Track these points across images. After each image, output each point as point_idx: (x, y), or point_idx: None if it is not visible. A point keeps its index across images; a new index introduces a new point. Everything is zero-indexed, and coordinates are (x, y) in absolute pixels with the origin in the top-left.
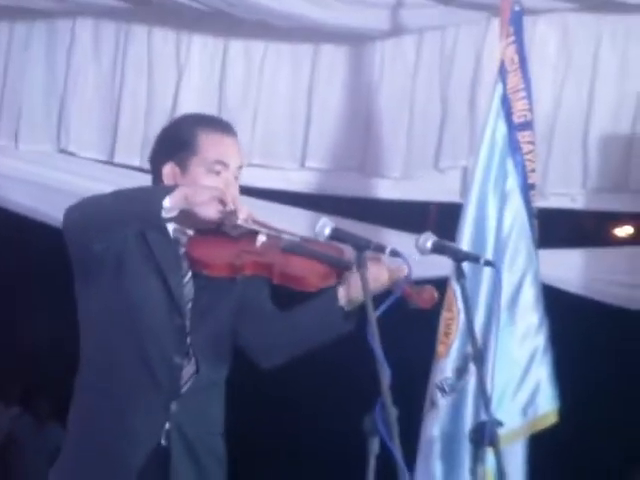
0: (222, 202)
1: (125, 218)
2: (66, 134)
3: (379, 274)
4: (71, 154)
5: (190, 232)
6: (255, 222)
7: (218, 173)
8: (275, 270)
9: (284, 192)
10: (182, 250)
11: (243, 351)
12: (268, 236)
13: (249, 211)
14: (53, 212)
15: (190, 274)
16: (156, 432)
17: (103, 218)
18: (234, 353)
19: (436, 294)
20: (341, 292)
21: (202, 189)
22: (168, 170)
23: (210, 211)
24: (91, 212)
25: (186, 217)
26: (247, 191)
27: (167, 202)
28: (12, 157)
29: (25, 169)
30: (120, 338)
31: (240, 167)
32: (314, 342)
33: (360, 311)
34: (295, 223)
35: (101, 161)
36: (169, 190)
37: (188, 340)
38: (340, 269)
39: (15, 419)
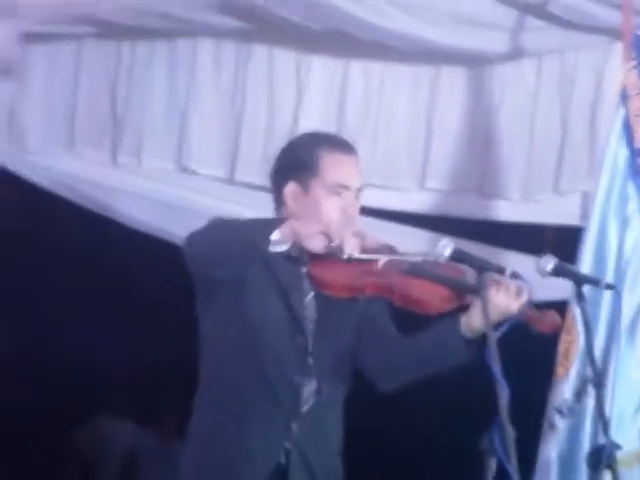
0: (328, 237)
1: (238, 251)
2: (187, 152)
3: (507, 303)
4: (192, 172)
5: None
6: (365, 251)
7: (339, 194)
8: (396, 292)
9: (403, 213)
10: (304, 269)
11: (362, 373)
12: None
13: (357, 243)
14: (172, 229)
15: (312, 294)
16: (276, 451)
17: (220, 249)
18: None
19: (559, 319)
20: (464, 320)
21: (309, 223)
22: (290, 190)
23: (316, 245)
24: (209, 241)
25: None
26: (367, 212)
27: (276, 235)
28: (134, 174)
29: (146, 186)
30: (240, 357)
31: (360, 188)
32: (434, 369)
33: (482, 339)
34: (414, 244)
35: (221, 179)
36: (277, 223)
37: (310, 360)
38: (463, 292)
39: (137, 435)
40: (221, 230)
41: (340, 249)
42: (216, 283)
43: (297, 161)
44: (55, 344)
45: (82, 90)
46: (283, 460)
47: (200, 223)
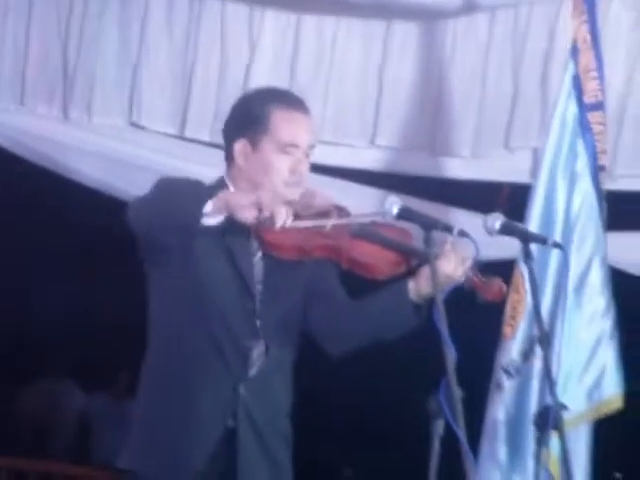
0: (259, 209)
1: (179, 221)
2: (138, 107)
3: (453, 269)
4: (143, 128)
5: None
6: (312, 211)
7: (289, 153)
8: (344, 254)
9: (354, 170)
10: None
11: (311, 337)
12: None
13: (287, 215)
14: (123, 185)
15: (260, 254)
16: (224, 414)
17: (162, 219)
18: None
19: (504, 287)
20: (411, 285)
21: (243, 194)
22: (240, 147)
23: (247, 216)
24: (152, 210)
25: None
26: (317, 169)
27: (208, 207)
28: (84, 130)
29: (97, 142)
30: (189, 320)
31: (312, 146)
32: (383, 334)
33: (429, 304)
34: (364, 201)
35: (172, 135)
36: (214, 191)
37: (257, 322)
38: (410, 257)
39: (88, 395)
40: (163, 197)
41: (271, 220)
42: (162, 248)
43: (248, 117)
44: (4, 301)
45: (33, 44)
46: (231, 423)
47: (150, 179)
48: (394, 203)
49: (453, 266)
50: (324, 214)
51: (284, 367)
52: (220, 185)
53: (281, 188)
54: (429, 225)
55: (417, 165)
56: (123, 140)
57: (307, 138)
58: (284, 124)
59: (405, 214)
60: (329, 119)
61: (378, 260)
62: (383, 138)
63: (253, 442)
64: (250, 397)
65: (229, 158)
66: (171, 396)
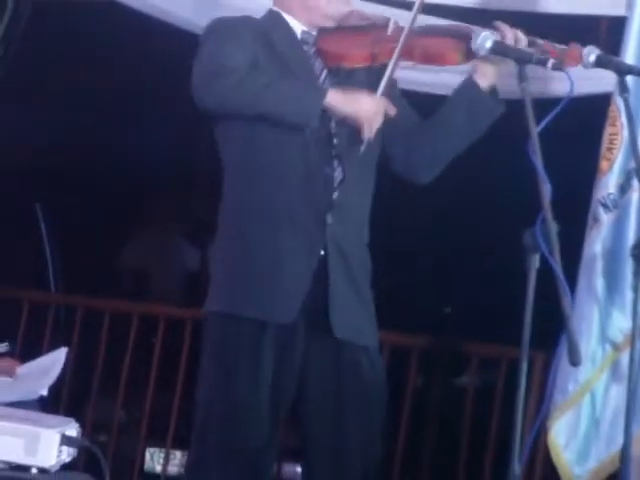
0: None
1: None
2: None
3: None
4: None
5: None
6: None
7: None
8: (416, 50)
9: (446, 6)
10: (312, 50)
11: (401, 175)
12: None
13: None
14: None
15: (325, 72)
16: (317, 245)
17: (251, 110)
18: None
19: (581, 48)
20: (478, 77)
21: (346, 104)
22: None
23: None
24: (242, 102)
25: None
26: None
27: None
28: None
29: None
30: (272, 152)
31: None
32: (470, 136)
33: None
34: None
35: None
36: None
37: (335, 140)
38: (469, 46)
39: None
40: (259, 94)
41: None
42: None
43: None
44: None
45: None
46: (322, 252)
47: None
48: (487, 37)
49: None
50: (381, 23)
51: (364, 194)
52: (272, 17)
53: (324, 3)
54: (523, 59)
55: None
56: None
57: None
58: None
59: (499, 48)
60: None
61: (449, 49)
62: None
63: (342, 272)
64: (336, 224)
65: None
66: (258, 233)
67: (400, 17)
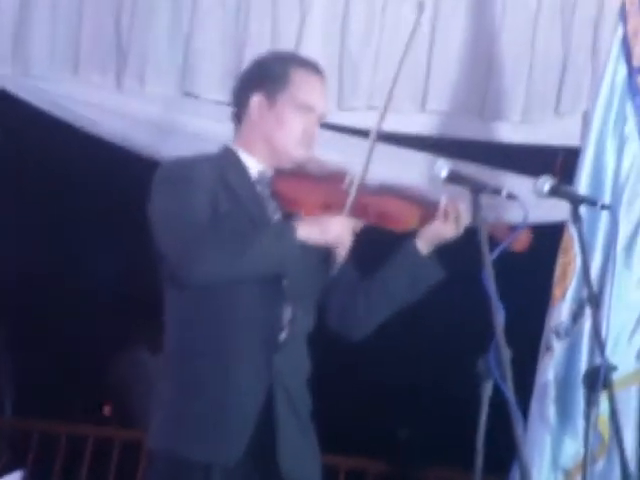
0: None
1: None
2: (191, 77)
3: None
4: (195, 96)
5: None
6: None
7: (303, 114)
8: (371, 210)
9: (404, 135)
10: (267, 191)
11: (334, 330)
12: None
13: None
14: (174, 153)
15: (278, 215)
16: (263, 384)
17: (231, 278)
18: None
19: (530, 237)
20: (419, 243)
21: (318, 231)
22: (256, 100)
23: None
24: (222, 276)
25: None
26: (367, 134)
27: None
28: (138, 98)
29: (150, 110)
30: (215, 296)
31: (323, 116)
32: (408, 300)
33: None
34: (413, 166)
35: (224, 103)
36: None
37: (284, 282)
38: (430, 208)
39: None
40: (233, 263)
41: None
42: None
43: (268, 73)
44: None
45: (87, 14)
46: (268, 391)
47: (201, 147)
48: (442, 166)
49: (449, 226)
50: (338, 175)
51: (305, 332)
52: (227, 155)
53: (292, 146)
54: (478, 188)
55: (467, 129)
56: (176, 109)
57: (322, 105)
58: (303, 84)
59: (454, 176)
60: (379, 84)
61: (405, 214)
62: (433, 103)
63: (288, 410)
64: (282, 364)
65: (241, 114)
66: (203, 374)
67: (356, 146)
